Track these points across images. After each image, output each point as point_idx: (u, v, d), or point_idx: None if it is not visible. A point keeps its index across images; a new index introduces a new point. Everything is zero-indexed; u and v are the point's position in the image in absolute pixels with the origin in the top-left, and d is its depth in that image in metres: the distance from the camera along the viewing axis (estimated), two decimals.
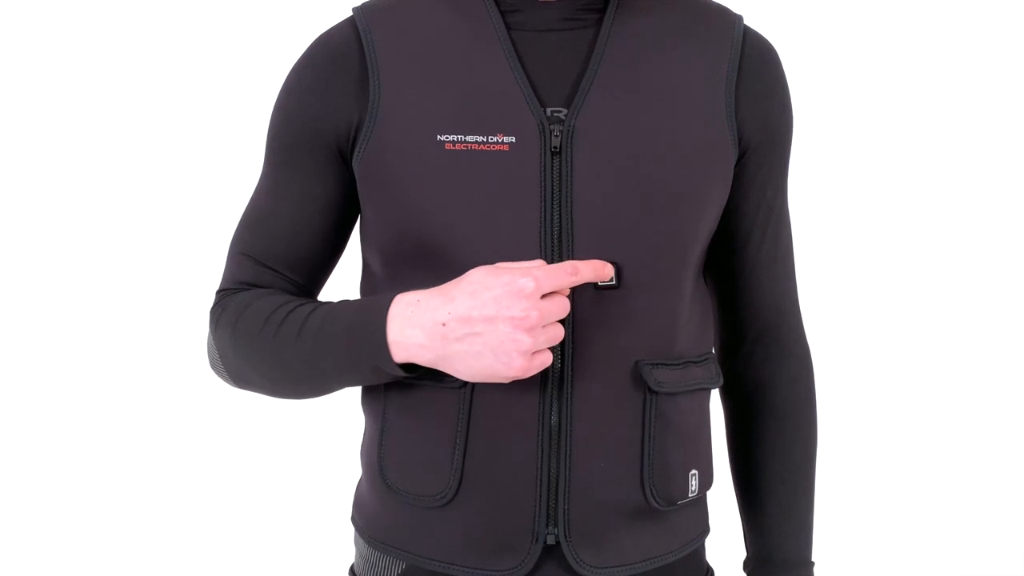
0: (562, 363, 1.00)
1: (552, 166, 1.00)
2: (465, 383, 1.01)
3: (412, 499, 1.05)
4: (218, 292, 1.11)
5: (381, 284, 1.07)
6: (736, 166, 1.09)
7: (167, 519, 2.58)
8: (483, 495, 1.02)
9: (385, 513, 1.09)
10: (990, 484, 2.62)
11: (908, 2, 2.61)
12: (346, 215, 1.10)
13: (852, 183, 2.64)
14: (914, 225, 2.65)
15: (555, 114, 1.01)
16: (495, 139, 1.00)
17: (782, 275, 1.16)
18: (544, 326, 0.93)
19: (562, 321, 0.98)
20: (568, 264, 0.94)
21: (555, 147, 1.00)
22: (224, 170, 2.51)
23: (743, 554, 1.23)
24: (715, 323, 1.19)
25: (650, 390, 1.03)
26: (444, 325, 0.94)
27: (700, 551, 1.15)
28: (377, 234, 1.05)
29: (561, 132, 1.00)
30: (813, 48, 2.52)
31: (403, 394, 1.05)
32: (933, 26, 2.61)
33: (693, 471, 1.08)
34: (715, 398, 1.17)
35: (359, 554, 1.15)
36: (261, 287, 1.09)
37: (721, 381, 1.13)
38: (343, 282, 1.20)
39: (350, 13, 1.08)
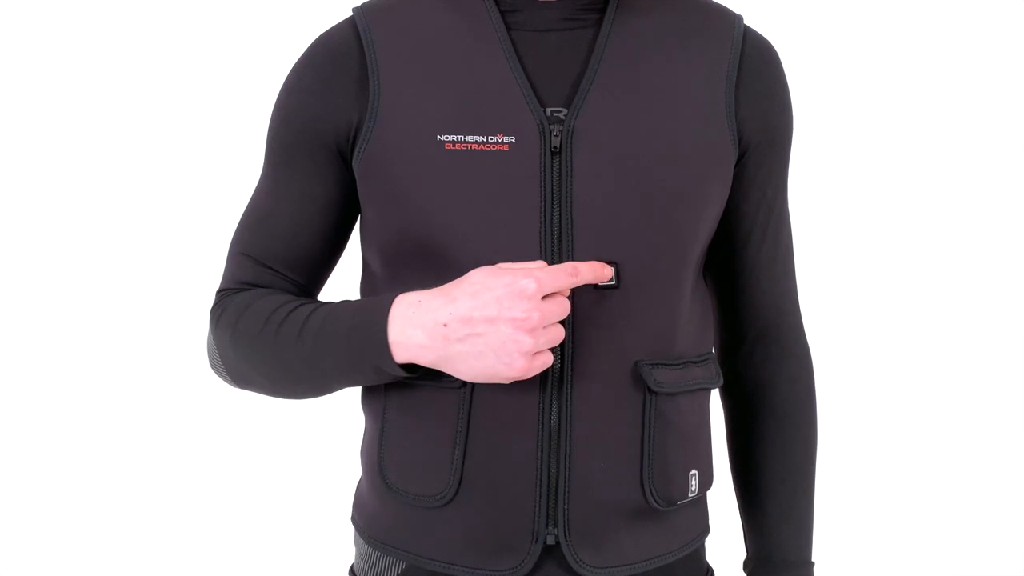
0: (562, 363, 1.00)
1: (552, 166, 1.00)
2: (465, 383, 1.01)
3: (412, 499, 1.05)
4: (218, 292, 1.11)
5: (381, 284, 1.07)
6: (736, 166, 1.08)
7: (167, 519, 2.57)
8: (483, 495, 1.02)
9: (385, 513, 1.08)
10: (990, 484, 2.62)
11: (908, 2, 2.61)
12: (346, 215, 1.10)
13: (852, 183, 2.63)
14: (914, 225, 2.65)
15: (555, 114, 1.01)
16: (495, 139, 1.00)
17: (782, 275, 1.16)
18: (545, 327, 0.94)
19: (562, 321, 0.98)
20: (569, 265, 0.94)
21: (555, 147, 1.00)
22: (224, 170, 2.50)
23: (743, 554, 1.23)
24: (715, 323, 1.19)
25: (650, 390, 1.03)
26: (445, 326, 0.94)
27: (700, 551, 1.15)
28: (377, 234, 1.05)
29: (561, 132, 1.00)
30: (813, 48, 2.52)
31: (403, 394, 1.05)
32: (933, 26, 2.61)
33: (693, 471, 1.08)
34: (715, 398, 1.17)
35: (359, 554, 1.15)
36: (261, 287, 1.09)
37: (721, 381, 1.13)
38: (343, 282, 1.20)
39: (350, 13, 1.08)
